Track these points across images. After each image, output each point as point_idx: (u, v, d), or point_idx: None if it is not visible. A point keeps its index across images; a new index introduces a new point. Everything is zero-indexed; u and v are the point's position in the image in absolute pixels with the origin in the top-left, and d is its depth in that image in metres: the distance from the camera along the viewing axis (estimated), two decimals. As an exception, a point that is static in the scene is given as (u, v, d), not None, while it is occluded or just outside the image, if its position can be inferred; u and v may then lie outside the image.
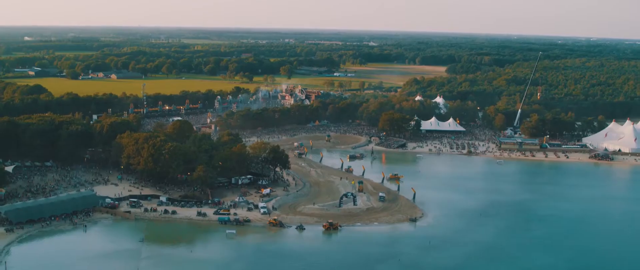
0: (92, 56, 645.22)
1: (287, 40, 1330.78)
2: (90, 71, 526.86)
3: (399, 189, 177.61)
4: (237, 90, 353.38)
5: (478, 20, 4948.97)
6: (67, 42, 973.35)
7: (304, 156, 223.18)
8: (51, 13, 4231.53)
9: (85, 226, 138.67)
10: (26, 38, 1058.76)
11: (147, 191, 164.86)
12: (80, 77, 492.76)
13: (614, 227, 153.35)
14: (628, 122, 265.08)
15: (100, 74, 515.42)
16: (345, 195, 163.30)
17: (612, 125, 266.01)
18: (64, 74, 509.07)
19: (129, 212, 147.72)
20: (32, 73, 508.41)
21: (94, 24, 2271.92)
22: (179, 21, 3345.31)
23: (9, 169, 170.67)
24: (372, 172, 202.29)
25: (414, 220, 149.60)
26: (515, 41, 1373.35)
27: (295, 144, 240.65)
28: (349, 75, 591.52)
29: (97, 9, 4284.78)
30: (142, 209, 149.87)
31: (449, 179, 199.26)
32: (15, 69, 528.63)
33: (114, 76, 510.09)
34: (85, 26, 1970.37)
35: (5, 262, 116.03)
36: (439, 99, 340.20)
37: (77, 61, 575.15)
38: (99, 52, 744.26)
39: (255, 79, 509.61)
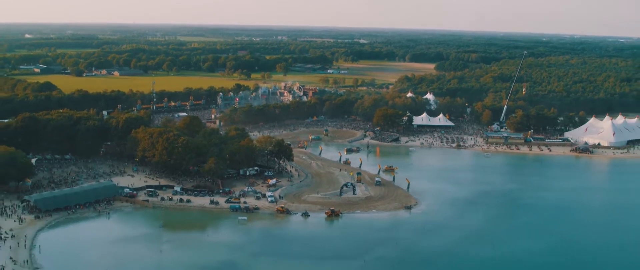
0: (93, 54, 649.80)
1: (280, 37, 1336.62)
2: (93, 68, 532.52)
3: (394, 180, 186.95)
4: (238, 87, 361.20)
5: (465, 17, 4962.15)
6: (67, 39, 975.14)
7: (306, 149, 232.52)
8: (47, 10, 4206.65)
9: (108, 213, 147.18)
10: (27, 35, 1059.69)
11: (162, 182, 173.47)
12: (84, 74, 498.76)
13: (592, 215, 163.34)
14: (607, 117, 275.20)
15: (104, 71, 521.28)
16: (345, 185, 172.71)
17: (592, 120, 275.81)
18: (68, 71, 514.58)
19: (147, 200, 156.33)
20: (37, 70, 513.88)
21: (89, 21, 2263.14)
22: (173, 18, 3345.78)
23: (32, 161, 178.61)
24: (368, 164, 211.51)
25: (409, 207, 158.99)
26: (501, 39, 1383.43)
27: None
28: (342, 72, 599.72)
29: (92, 7, 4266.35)
30: (159, 198, 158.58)
31: (440, 171, 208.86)
32: (21, 66, 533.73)
33: (116, 73, 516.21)
34: (81, 23, 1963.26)
35: (39, 246, 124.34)
36: (429, 96, 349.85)
37: (80, 59, 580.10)
38: (99, 49, 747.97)
39: (253, 76, 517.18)
